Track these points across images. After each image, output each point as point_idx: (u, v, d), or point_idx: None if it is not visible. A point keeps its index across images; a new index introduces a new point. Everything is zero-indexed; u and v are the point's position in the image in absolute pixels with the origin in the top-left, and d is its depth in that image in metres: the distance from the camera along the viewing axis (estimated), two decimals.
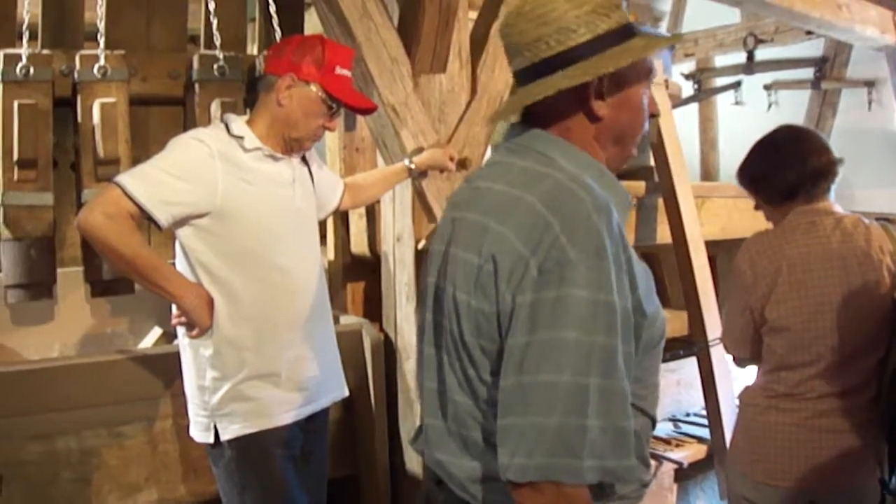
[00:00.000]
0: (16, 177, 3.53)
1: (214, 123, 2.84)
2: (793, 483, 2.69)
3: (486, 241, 1.60)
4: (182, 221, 2.64)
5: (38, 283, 3.60)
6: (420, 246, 3.50)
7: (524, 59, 1.69)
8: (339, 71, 2.77)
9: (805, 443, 2.68)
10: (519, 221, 1.56)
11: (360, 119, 4.20)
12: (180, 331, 2.76)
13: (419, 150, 3.36)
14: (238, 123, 2.76)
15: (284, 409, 2.78)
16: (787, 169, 2.75)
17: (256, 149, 2.73)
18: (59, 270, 3.72)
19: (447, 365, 1.70)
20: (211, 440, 2.74)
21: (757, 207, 2.91)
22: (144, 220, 2.58)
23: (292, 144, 2.80)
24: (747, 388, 2.91)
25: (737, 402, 2.97)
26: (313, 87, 2.73)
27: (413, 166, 3.33)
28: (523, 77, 1.71)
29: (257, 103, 2.83)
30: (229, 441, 2.71)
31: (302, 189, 2.88)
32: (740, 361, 2.97)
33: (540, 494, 1.48)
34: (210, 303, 2.66)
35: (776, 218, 2.84)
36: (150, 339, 4.13)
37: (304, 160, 2.95)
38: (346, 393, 3.08)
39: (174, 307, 2.69)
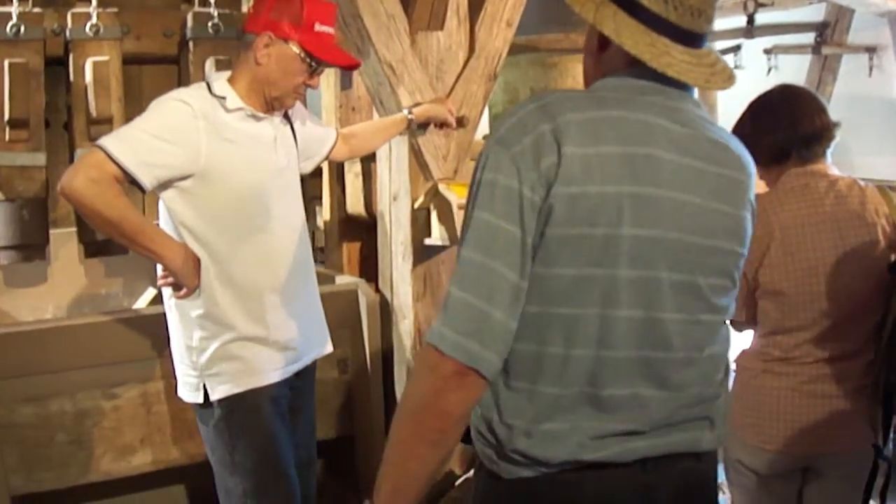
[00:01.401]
0: (7, 137, 3.52)
1: (196, 83, 2.79)
2: (787, 447, 2.67)
3: None
4: (166, 184, 2.60)
5: (30, 245, 3.59)
6: (416, 205, 3.47)
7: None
8: (319, 28, 2.71)
9: (800, 407, 2.66)
10: None
11: (356, 77, 4.17)
12: (166, 291, 2.74)
13: (416, 105, 3.32)
14: (220, 83, 2.71)
15: (272, 368, 2.78)
16: (776, 131, 2.70)
17: (238, 109, 2.68)
18: (51, 231, 3.71)
19: None
20: (200, 400, 2.73)
21: None
22: (128, 183, 2.54)
23: (273, 103, 2.76)
24: (743, 353, 2.88)
25: (733, 366, 2.96)
26: (291, 46, 2.67)
27: (412, 117, 3.29)
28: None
29: (238, 61, 2.79)
30: (219, 400, 2.71)
31: (284, 148, 2.85)
32: (736, 325, 2.93)
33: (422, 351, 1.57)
34: (197, 263, 2.64)
35: (768, 178, 2.79)
36: (144, 300, 4.11)
37: (287, 117, 2.91)
38: (331, 348, 3.08)
39: (159, 268, 2.67)
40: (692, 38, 1.62)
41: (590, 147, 1.51)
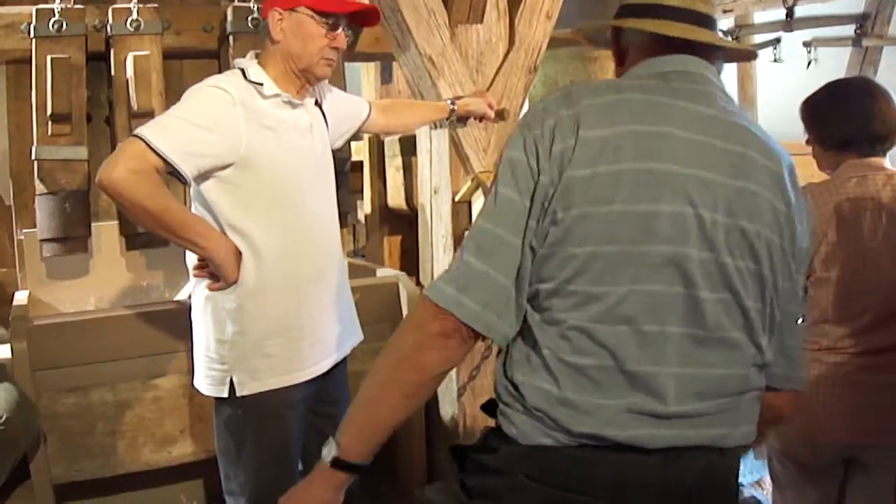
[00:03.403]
0: (50, 131, 3.56)
1: (229, 70, 2.74)
2: (831, 438, 2.66)
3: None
4: (206, 174, 2.54)
5: (73, 237, 3.62)
6: (457, 198, 3.47)
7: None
8: None
9: (847, 398, 2.64)
10: None
11: (396, 71, 4.17)
12: (199, 283, 2.69)
13: (458, 98, 3.32)
14: (254, 69, 2.66)
15: (304, 366, 2.72)
16: (848, 122, 2.69)
17: (275, 95, 2.63)
18: (93, 224, 3.73)
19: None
20: (225, 394, 2.66)
21: (808, 142, 2.84)
22: (167, 174, 2.47)
23: (305, 77, 2.70)
24: None
25: None
26: (300, 10, 2.61)
27: (455, 107, 3.28)
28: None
29: (263, 50, 2.72)
30: (244, 397, 2.65)
31: (319, 135, 2.81)
32: None
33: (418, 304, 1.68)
34: (238, 256, 2.59)
35: (822, 162, 2.79)
36: (185, 292, 4.13)
37: (317, 103, 2.87)
38: (362, 337, 3.02)
39: (191, 258, 2.65)
40: (693, 17, 1.71)
41: (607, 129, 1.57)
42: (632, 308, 1.56)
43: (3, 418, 2.91)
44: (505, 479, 1.63)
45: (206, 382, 2.73)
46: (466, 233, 1.67)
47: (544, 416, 1.59)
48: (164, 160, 2.42)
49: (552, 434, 1.59)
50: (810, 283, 2.70)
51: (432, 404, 3.75)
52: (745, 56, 2.19)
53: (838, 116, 2.71)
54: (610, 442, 1.57)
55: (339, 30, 2.68)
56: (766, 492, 3.97)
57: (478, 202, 3.42)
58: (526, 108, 4.03)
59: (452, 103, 3.29)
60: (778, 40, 7.41)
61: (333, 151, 2.93)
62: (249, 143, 2.54)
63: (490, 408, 1.75)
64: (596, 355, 1.57)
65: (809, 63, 7.39)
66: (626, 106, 1.61)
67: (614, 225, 1.54)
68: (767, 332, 1.69)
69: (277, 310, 2.66)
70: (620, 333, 1.56)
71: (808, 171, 2.90)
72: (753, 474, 4.64)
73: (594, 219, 1.54)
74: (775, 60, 7.48)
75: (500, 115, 3.40)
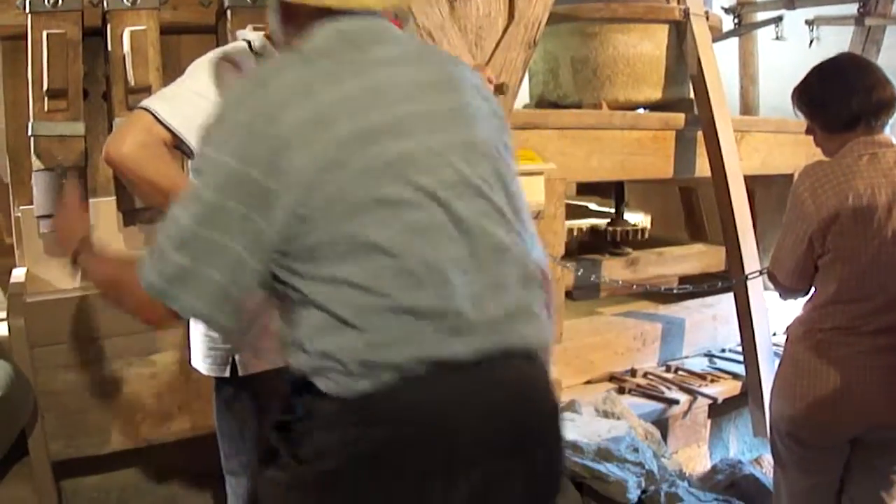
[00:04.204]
0: (46, 107, 3.53)
1: (234, 42, 2.68)
2: (840, 419, 2.65)
3: None
4: None
5: None
6: None
7: None
8: None
9: (859, 378, 2.63)
10: None
11: None
12: None
13: None
14: (259, 41, 2.57)
15: None
16: (851, 97, 2.66)
17: None
18: (91, 200, 3.71)
19: None
20: (227, 374, 2.60)
21: (809, 132, 2.81)
22: (174, 148, 2.38)
23: None
24: (796, 322, 2.84)
25: (779, 336, 2.91)
26: None
27: None
28: None
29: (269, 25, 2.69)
30: (246, 376, 2.59)
31: None
32: (788, 293, 2.89)
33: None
34: None
35: (829, 147, 2.75)
36: None
37: None
38: None
39: None
40: None
41: (309, 102, 1.64)
42: (406, 244, 1.64)
43: None
44: (337, 435, 1.67)
45: (207, 363, 2.67)
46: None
47: (358, 364, 1.63)
48: (172, 133, 2.34)
49: (370, 378, 1.64)
50: (822, 263, 2.68)
51: None
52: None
53: (840, 94, 2.68)
54: (425, 364, 1.64)
55: None
56: (764, 469, 3.97)
57: None
58: (526, 83, 4.03)
59: None
60: (780, 18, 7.35)
61: None
62: None
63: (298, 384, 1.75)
64: (389, 296, 1.63)
65: (812, 41, 7.33)
66: (321, 77, 1.69)
67: (358, 181, 1.62)
68: (521, 224, 1.82)
69: None
70: (406, 269, 1.63)
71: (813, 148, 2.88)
72: (752, 452, 4.66)
73: (336, 184, 1.61)
74: (777, 38, 7.42)
75: (500, 89, 3.37)
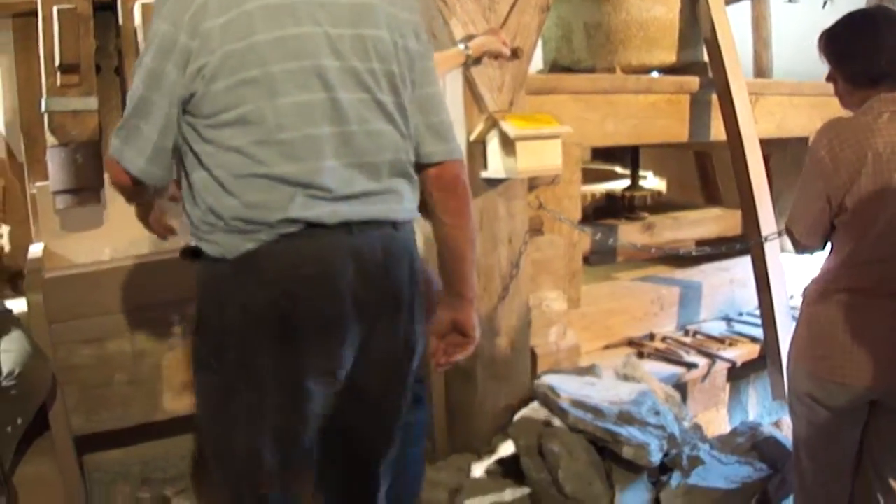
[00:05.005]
0: (59, 82, 3.52)
1: None
2: (860, 381, 2.61)
3: None
4: None
5: (85, 188, 3.59)
6: (471, 138, 3.43)
7: None
8: None
9: (874, 340, 2.59)
10: None
11: None
12: None
13: (470, 38, 3.26)
14: None
15: None
16: (882, 54, 2.60)
17: None
18: (106, 174, 3.70)
19: None
20: None
21: (829, 79, 2.76)
22: None
23: None
24: (814, 283, 2.80)
25: (796, 298, 2.87)
26: None
27: (470, 51, 3.23)
28: None
29: None
30: None
31: None
32: (805, 249, 2.86)
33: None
34: None
35: (851, 101, 2.70)
36: None
37: None
38: None
39: None
40: None
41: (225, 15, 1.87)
42: (287, 119, 1.88)
43: (16, 373, 2.92)
44: (226, 300, 1.93)
45: None
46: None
47: (238, 223, 1.89)
48: None
49: (251, 236, 1.89)
50: (839, 222, 2.64)
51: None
52: None
53: (870, 51, 2.61)
54: (299, 224, 1.89)
55: None
56: (784, 432, 3.96)
57: (492, 141, 3.39)
58: (539, 48, 3.99)
59: (466, 47, 3.24)
60: None
61: None
62: None
63: (188, 251, 2.01)
64: (265, 164, 1.88)
65: (825, 3, 7.27)
66: None
67: (255, 53, 1.87)
68: (403, 118, 2.06)
69: None
70: (281, 141, 1.88)
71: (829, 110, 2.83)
72: (771, 415, 4.65)
73: (236, 53, 1.85)
74: (790, 1, 7.36)
75: (515, 53, 3.35)
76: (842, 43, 2.67)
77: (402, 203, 2.06)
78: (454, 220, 2.20)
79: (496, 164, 3.38)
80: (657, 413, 3.39)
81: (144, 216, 2.56)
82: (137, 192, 2.12)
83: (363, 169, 1.98)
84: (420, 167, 2.15)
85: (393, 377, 2.13)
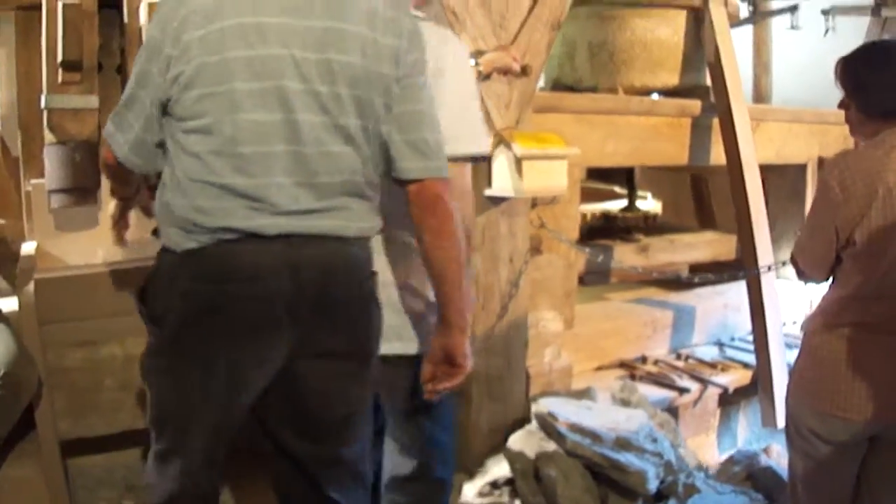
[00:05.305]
0: (60, 79, 3.48)
1: None
2: (862, 416, 2.60)
3: None
4: None
5: (82, 188, 3.54)
6: None
7: None
8: None
9: (880, 376, 2.58)
10: None
11: None
12: None
13: (480, 54, 3.24)
14: None
15: None
16: (894, 90, 2.61)
17: None
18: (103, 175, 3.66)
19: None
20: None
21: (842, 106, 2.75)
22: None
23: None
24: (817, 316, 2.78)
25: (790, 326, 2.86)
26: None
27: (480, 67, 3.22)
28: None
29: None
30: None
31: None
32: (809, 279, 2.85)
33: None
34: None
35: (861, 130, 2.69)
36: None
37: None
38: None
39: None
40: None
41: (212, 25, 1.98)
42: (243, 134, 1.98)
43: (2, 373, 2.88)
44: (174, 288, 2.05)
45: None
46: None
47: (185, 222, 2.02)
48: None
49: (194, 237, 2.01)
50: (846, 255, 2.62)
51: None
52: None
53: (886, 85, 2.61)
54: (238, 234, 2.00)
55: None
56: (774, 458, 3.95)
57: (499, 158, 3.36)
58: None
59: (476, 63, 3.23)
60: (796, 7, 7.30)
61: None
62: None
63: (156, 231, 2.17)
64: (217, 173, 1.99)
65: (827, 31, 7.30)
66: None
67: (225, 68, 1.97)
68: (367, 140, 2.11)
69: None
70: (235, 154, 1.98)
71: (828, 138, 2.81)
72: (760, 442, 4.64)
73: (209, 67, 1.97)
74: (792, 27, 7.38)
75: (524, 70, 3.34)
76: (859, 72, 2.67)
77: (351, 220, 2.12)
78: (433, 240, 2.19)
79: (502, 183, 3.36)
80: (654, 440, 3.37)
81: (116, 214, 2.68)
82: (122, 173, 2.24)
83: (313, 188, 2.05)
84: (400, 183, 2.19)
85: (332, 387, 2.19)
